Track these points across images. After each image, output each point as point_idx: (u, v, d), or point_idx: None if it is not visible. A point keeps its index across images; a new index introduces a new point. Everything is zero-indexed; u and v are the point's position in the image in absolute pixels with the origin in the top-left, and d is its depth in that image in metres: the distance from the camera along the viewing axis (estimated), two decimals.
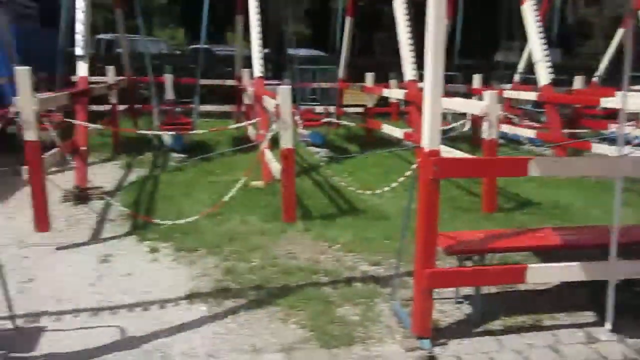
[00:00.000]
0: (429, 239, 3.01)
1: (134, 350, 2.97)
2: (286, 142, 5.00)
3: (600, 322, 3.30)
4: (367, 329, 3.25)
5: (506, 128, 9.16)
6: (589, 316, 3.42)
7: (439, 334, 3.20)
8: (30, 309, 3.39)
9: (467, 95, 10.40)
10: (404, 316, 3.35)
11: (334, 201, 5.87)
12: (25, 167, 4.55)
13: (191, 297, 3.60)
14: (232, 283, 3.82)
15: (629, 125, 6.65)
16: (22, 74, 4.44)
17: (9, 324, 3.14)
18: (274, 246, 4.50)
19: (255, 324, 3.28)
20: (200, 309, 3.45)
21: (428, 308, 3.11)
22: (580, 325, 3.33)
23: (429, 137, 2.94)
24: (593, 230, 3.78)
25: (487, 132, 5.20)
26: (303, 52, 14.69)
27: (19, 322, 3.20)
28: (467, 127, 6.01)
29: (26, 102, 4.44)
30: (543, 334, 3.24)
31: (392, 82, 11.29)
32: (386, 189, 4.44)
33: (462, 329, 3.29)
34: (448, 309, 3.55)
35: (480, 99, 6.84)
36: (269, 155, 5.86)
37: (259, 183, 6.23)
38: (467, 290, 3.68)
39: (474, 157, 4.03)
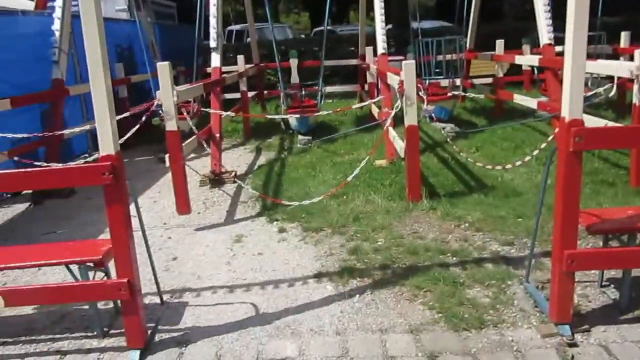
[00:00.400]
0: (569, 217, 2.76)
1: (266, 326, 3.11)
2: (410, 119, 4.88)
3: None
4: (499, 312, 3.08)
5: None
6: None
7: (581, 320, 2.95)
8: (175, 285, 3.71)
9: (614, 56, 9.35)
10: (540, 299, 3.13)
11: (461, 178, 5.64)
12: (167, 155, 4.95)
13: (318, 276, 3.69)
14: (357, 262, 3.84)
15: None
16: (163, 68, 4.79)
17: (157, 299, 3.46)
18: (399, 225, 4.44)
19: (381, 304, 3.27)
20: (328, 288, 3.52)
21: (568, 292, 2.87)
22: None
23: (569, 105, 2.67)
24: None
25: (638, 97, 4.63)
26: (427, 24, 14.20)
27: (166, 297, 3.52)
28: (613, 93, 5.38)
29: (166, 94, 4.80)
30: None
31: (525, 47, 10.51)
32: (518, 163, 4.15)
33: (608, 315, 3.01)
34: (591, 293, 3.26)
35: (629, 60, 6.10)
36: (392, 133, 5.78)
37: (382, 162, 6.18)
38: (613, 273, 3.36)
39: (622, 125, 3.57)
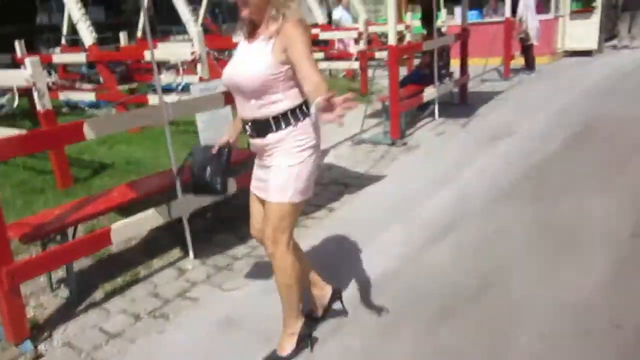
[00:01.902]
0: None
1: None
2: None
3: (186, 255, 3.72)
4: None
5: (68, 94, 8.78)
6: (176, 253, 3.81)
7: (41, 330, 3.01)
8: None
9: (16, 65, 9.39)
10: None
11: None
12: None
13: None
14: None
15: (169, 74, 7.34)
16: None
17: None
18: None
19: None
20: None
21: (19, 307, 2.85)
22: (171, 264, 3.68)
23: None
24: (160, 175, 4.12)
25: (40, 104, 4.87)
26: None
27: None
28: (16, 102, 5.46)
29: None
30: (143, 285, 3.44)
31: None
32: None
33: (64, 314, 3.17)
34: (45, 300, 3.35)
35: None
36: None
37: None
38: (62, 273, 3.55)
39: (27, 132, 3.72)
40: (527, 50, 10.44)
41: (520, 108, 7.64)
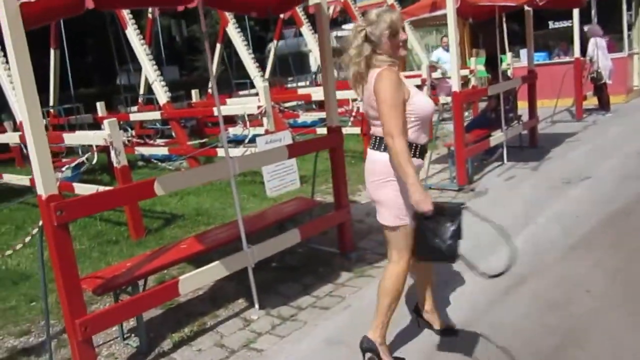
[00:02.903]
0: (70, 287, 2.84)
1: None
2: None
3: (251, 305, 3.73)
4: None
5: (143, 149, 9.30)
6: (242, 303, 3.82)
7: None
8: None
9: (96, 125, 10.12)
10: None
11: None
12: None
13: None
14: None
15: (237, 127, 7.62)
16: None
17: None
18: None
19: None
20: None
21: (91, 358, 2.95)
22: (237, 314, 3.69)
23: (42, 182, 2.75)
24: (227, 226, 4.20)
25: (116, 160, 5.18)
26: None
27: None
28: (95, 160, 5.86)
29: None
30: (209, 335, 3.47)
31: (7, 124, 10.12)
32: (19, 246, 3.97)
33: None
34: (116, 349, 3.44)
35: None
36: None
37: None
38: (133, 323, 3.64)
39: (103, 190, 3.96)
40: (600, 89, 10.04)
41: (594, 150, 7.28)
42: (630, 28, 11.48)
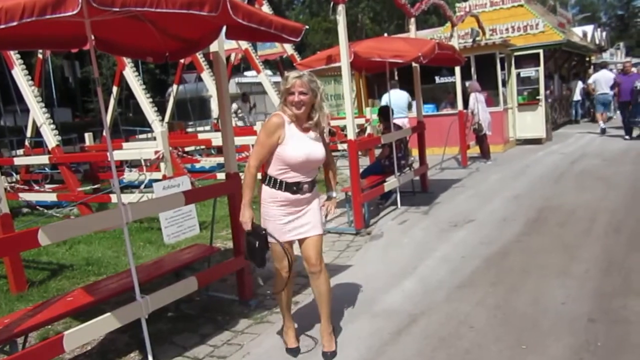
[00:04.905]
0: None
1: None
2: None
3: (145, 358, 3.56)
4: None
5: (30, 196, 8.70)
6: (134, 357, 3.64)
7: None
8: None
9: None
10: None
11: None
12: None
13: None
14: None
15: (132, 172, 7.39)
16: None
17: None
18: None
19: None
20: None
21: None
22: None
23: None
24: (119, 276, 4.03)
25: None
26: None
27: None
28: None
29: None
30: None
31: None
32: None
33: None
34: None
35: None
36: None
37: None
38: None
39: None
40: (481, 140, 10.97)
41: (477, 195, 7.90)
42: (504, 85, 12.78)
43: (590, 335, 3.42)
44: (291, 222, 3.33)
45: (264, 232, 3.28)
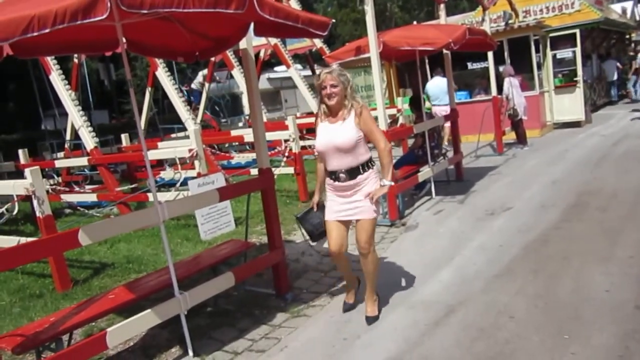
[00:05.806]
0: None
1: None
2: None
3: (185, 352, 3.64)
4: None
5: (70, 197, 8.95)
6: (175, 352, 3.72)
7: None
8: None
9: (18, 173, 9.65)
10: None
11: None
12: None
13: None
14: None
15: (168, 171, 7.52)
16: None
17: None
18: None
19: None
20: None
21: None
22: None
23: None
24: (158, 273, 4.11)
25: (39, 210, 4.97)
26: None
27: None
28: (16, 210, 5.58)
29: None
30: None
31: None
32: None
33: None
34: None
35: None
36: None
37: None
38: None
39: (24, 242, 3.80)
40: (517, 125, 10.72)
41: (515, 182, 7.73)
42: (539, 68, 12.42)
43: (637, 323, 3.30)
44: (341, 205, 3.67)
45: (317, 211, 3.94)
